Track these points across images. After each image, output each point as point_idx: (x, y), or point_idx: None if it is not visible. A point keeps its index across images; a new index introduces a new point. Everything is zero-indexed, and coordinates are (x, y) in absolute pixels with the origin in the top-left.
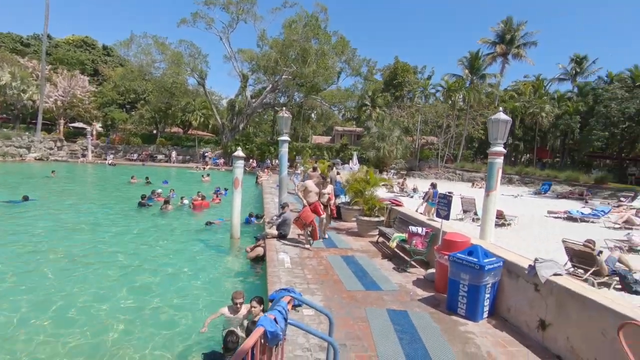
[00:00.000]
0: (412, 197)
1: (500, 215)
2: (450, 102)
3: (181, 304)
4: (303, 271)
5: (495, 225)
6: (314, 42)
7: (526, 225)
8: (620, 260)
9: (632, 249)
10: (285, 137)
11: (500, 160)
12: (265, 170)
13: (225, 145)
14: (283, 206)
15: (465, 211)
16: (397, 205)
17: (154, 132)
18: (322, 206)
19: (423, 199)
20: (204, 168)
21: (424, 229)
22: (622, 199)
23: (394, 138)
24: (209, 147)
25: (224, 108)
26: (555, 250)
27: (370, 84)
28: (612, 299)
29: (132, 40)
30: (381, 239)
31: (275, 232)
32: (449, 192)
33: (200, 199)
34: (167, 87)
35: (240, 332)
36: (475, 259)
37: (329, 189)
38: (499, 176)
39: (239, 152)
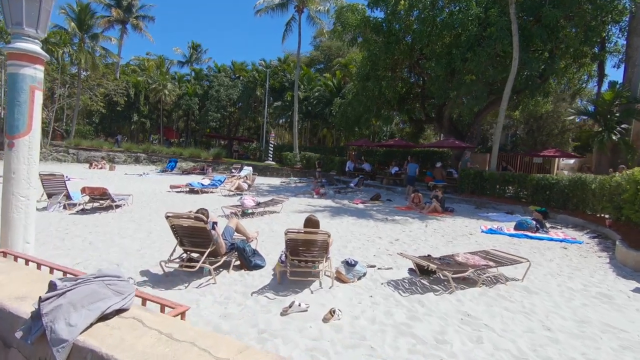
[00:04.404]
0: None
1: (103, 194)
2: (55, 62)
3: None
4: None
5: (98, 208)
6: None
7: (144, 203)
8: (237, 230)
9: (244, 213)
10: None
11: (30, 71)
12: None
13: None
14: None
15: (50, 195)
16: None
17: None
18: None
19: None
20: None
21: None
22: (233, 170)
23: None
24: None
25: None
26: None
27: None
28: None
29: None
30: None
31: None
32: None
33: None
34: None
35: None
36: None
37: None
38: (35, 109)
39: None
